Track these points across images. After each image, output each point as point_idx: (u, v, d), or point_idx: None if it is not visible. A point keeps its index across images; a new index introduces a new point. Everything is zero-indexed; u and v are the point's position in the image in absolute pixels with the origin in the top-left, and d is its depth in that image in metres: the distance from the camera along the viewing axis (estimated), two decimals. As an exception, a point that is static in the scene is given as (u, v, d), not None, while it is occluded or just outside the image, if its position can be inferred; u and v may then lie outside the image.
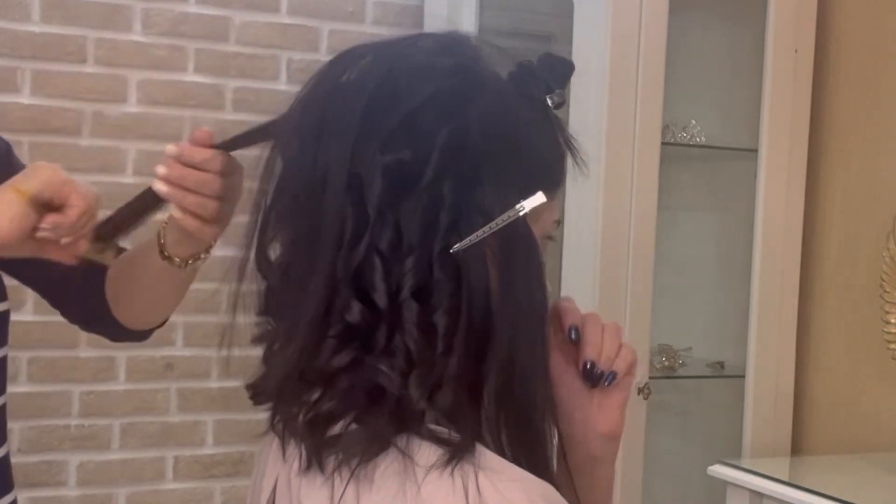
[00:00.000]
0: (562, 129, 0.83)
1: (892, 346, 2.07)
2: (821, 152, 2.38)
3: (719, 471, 2.09)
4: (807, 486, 1.92)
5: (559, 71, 0.83)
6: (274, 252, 0.79)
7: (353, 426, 0.72)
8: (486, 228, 0.73)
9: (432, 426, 0.72)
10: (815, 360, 2.39)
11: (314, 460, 0.73)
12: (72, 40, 2.47)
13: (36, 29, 2.45)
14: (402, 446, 0.71)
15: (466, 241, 0.72)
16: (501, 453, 0.73)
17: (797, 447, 2.39)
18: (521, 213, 0.74)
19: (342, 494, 0.71)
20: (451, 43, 0.80)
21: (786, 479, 2.00)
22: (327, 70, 0.79)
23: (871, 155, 2.28)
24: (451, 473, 0.68)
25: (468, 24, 2.56)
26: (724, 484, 2.08)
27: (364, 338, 0.73)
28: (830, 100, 2.37)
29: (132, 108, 2.53)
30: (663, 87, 2.18)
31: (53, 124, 2.46)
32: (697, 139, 2.38)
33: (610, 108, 2.15)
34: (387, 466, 0.70)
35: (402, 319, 0.72)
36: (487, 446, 0.73)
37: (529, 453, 0.75)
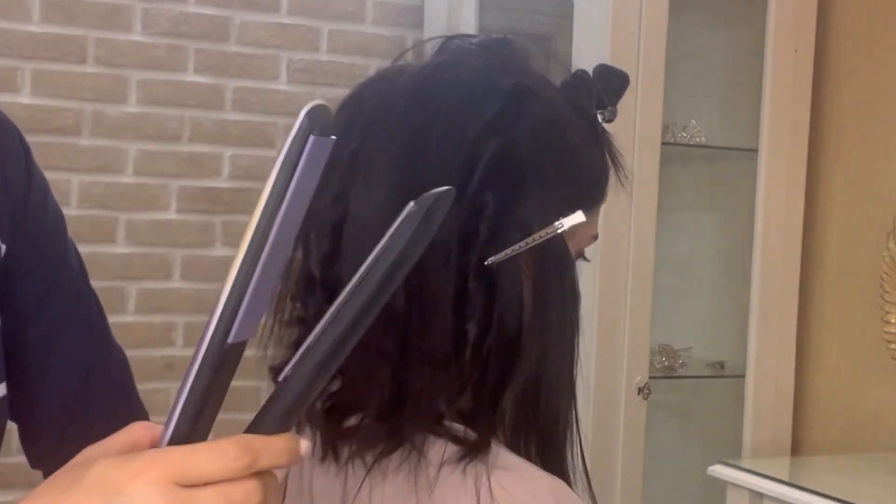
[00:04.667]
0: (609, 143, 0.83)
1: (893, 346, 2.07)
2: (821, 152, 2.38)
3: (719, 471, 2.09)
4: (807, 486, 1.92)
5: (615, 85, 0.82)
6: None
7: (370, 419, 0.72)
8: (523, 243, 0.73)
9: (448, 422, 0.72)
10: (815, 360, 2.39)
11: (329, 450, 0.73)
12: (72, 40, 2.47)
13: (36, 29, 2.45)
14: (416, 443, 0.71)
15: (502, 255, 0.72)
16: (517, 451, 0.74)
17: (797, 447, 2.39)
18: (558, 231, 0.74)
19: (358, 489, 0.71)
20: (505, 55, 0.78)
21: (786, 479, 2.00)
22: (374, 83, 0.78)
23: (871, 155, 2.28)
24: (464, 471, 0.69)
25: (468, 23, 2.56)
26: (724, 484, 2.08)
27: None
28: (830, 100, 2.37)
29: (132, 108, 2.53)
30: (663, 87, 2.18)
31: (53, 124, 2.46)
32: (697, 139, 2.38)
33: (610, 108, 2.14)
34: (400, 462, 0.71)
35: (432, 326, 0.71)
36: (502, 443, 0.73)
37: (545, 454, 0.76)
